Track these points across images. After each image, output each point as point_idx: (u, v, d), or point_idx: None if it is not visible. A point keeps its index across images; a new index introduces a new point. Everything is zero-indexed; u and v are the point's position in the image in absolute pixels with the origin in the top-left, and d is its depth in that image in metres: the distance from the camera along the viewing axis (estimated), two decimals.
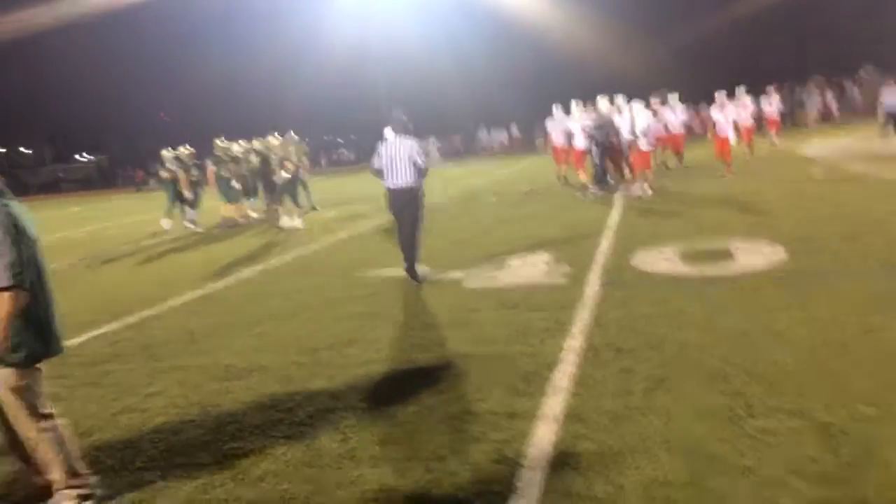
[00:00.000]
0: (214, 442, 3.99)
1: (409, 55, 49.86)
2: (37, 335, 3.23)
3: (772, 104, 20.13)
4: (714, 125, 15.96)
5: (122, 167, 59.55)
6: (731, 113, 15.68)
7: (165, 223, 16.40)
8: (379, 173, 7.95)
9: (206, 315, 7.27)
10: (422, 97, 51.88)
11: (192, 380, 5.15)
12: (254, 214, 16.74)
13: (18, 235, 3.10)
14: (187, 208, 16.45)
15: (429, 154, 7.25)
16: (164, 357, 5.81)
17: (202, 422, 4.31)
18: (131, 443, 4.09)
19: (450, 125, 54.42)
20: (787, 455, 3.14)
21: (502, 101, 48.48)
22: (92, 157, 67.94)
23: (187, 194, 16.28)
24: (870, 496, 2.78)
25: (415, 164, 7.68)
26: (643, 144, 13.95)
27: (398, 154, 7.73)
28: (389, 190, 7.83)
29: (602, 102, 14.66)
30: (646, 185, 13.79)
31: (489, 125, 50.40)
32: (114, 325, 7.16)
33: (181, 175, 16.17)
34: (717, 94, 16.34)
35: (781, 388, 3.87)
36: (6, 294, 3.03)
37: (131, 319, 7.36)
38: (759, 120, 19.24)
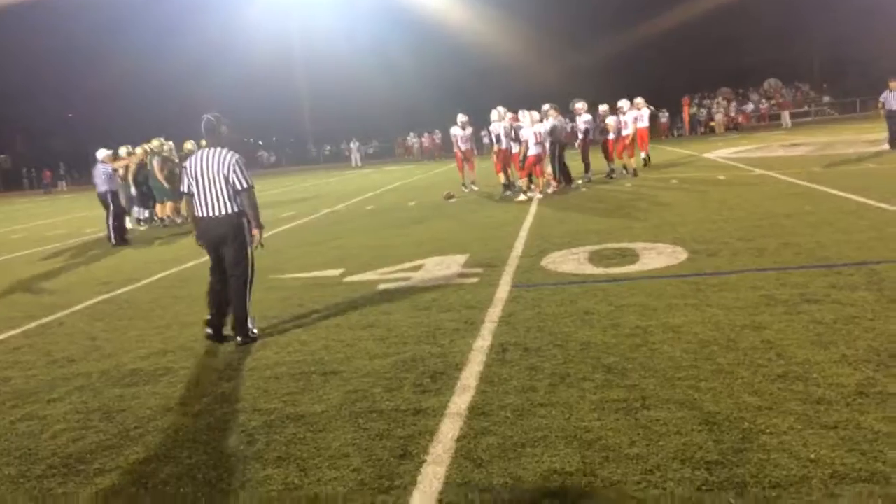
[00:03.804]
0: (117, 447, 3.91)
1: (333, 57, 49.73)
2: None
3: (642, 118, 18.92)
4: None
5: (28, 168, 56.98)
6: (528, 131, 14.33)
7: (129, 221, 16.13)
8: (188, 198, 5.91)
9: (110, 319, 7.10)
10: (344, 99, 51.77)
11: (95, 385, 5.03)
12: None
13: None
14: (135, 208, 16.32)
15: (260, 162, 5.91)
16: (67, 363, 5.65)
17: (105, 427, 4.22)
18: (30, 451, 3.97)
19: (371, 129, 54.43)
20: (675, 443, 3.31)
21: (425, 106, 48.81)
22: None
23: (167, 187, 15.77)
24: (748, 479, 2.96)
25: (232, 184, 5.69)
26: (531, 149, 14.26)
27: (208, 171, 5.69)
28: (199, 220, 5.83)
29: (500, 111, 15.59)
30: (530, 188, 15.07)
31: (410, 130, 50.60)
32: (15, 331, 6.92)
33: (156, 166, 15.64)
34: (520, 112, 14.99)
35: (675, 381, 4.07)
36: None
37: (33, 325, 7.12)
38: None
